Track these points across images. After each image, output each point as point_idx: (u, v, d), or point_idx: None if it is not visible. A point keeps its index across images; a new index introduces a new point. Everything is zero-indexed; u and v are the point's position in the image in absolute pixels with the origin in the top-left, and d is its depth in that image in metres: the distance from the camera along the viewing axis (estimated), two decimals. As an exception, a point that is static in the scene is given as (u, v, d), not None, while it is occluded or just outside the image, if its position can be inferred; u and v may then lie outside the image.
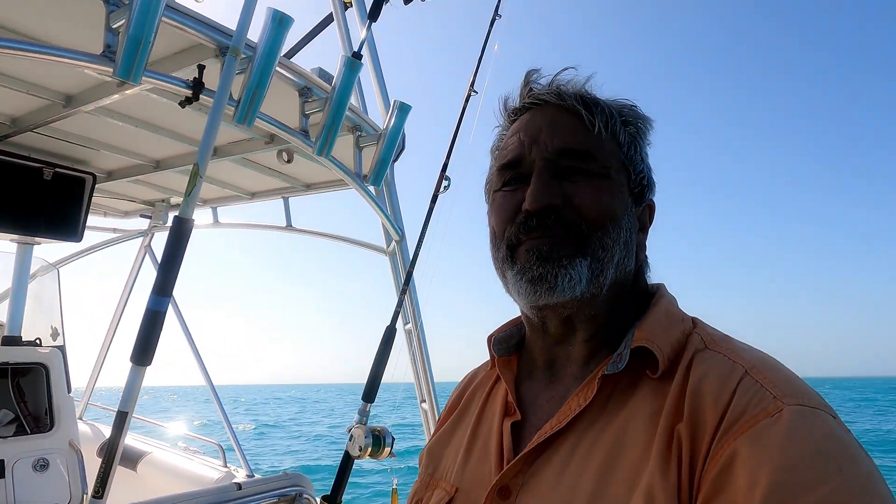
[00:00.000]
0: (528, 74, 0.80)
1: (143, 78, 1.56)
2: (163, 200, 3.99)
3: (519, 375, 0.84)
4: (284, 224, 3.59)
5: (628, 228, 0.74)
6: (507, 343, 0.86)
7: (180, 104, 1.74)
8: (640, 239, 0.79)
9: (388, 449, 2.00)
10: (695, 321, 0.74)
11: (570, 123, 0.74)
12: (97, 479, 1.38)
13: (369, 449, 1.95)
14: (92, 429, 4.27)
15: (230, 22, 1.66)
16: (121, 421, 1.41)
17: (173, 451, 3.97)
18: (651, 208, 0.80)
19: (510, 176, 0.76)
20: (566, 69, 0.78)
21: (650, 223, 0.80)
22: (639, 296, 0.78)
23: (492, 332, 0.89)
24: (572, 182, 0.72)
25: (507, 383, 0.82)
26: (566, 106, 0.74)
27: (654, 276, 0.82)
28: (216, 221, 3.86)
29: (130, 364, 1.39)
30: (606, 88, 0.78)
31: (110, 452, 1.41)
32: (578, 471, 0.66)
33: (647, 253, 0.81)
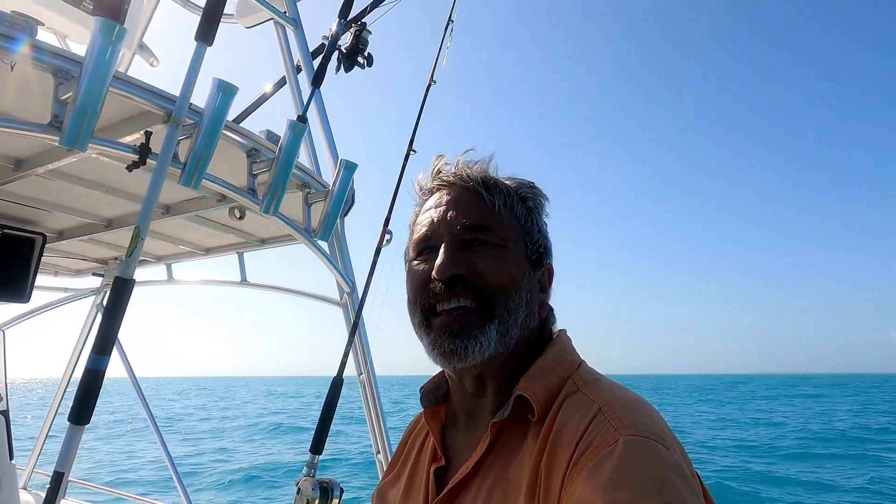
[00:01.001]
0: (436, 159, 0.92)
1: (90, 145, 1.64)
2: (115, 258, 3.97)
3: (446, 423, 0.94)
4: (239, 279, 3.62)
5: (528, 290, 0.84)
6: (436, 393, 0.96)
7: (127, 168, 1.81)
8: (542, 298, 0.89)
9: (336, 501, 2.01)
10: (581, 365, 0.84)
11: (473, 202, 0.85)
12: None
13: (316, 501, 1.95)
14: (35, 498, 4.08)
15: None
16: (56, 483, 1.41)
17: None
18: (549, 271, 0.90)
19: (422, 248, 0.86)
20: (468, 150, 0.90)
21: (550, 284, 0.90)
22: (541, 346, 0.86)
23: (423, 384, 0.98)
24: (475, 252, 0.82)
25: (432, 432, 0.92)
26: (469, 188, 0.86)
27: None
28: (171, 278, 3.86)
29: (68, 424, 1.40)
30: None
31: (45, 516, 1.40)
32: None
33: (551, 305, 0.91)
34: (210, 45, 1.56)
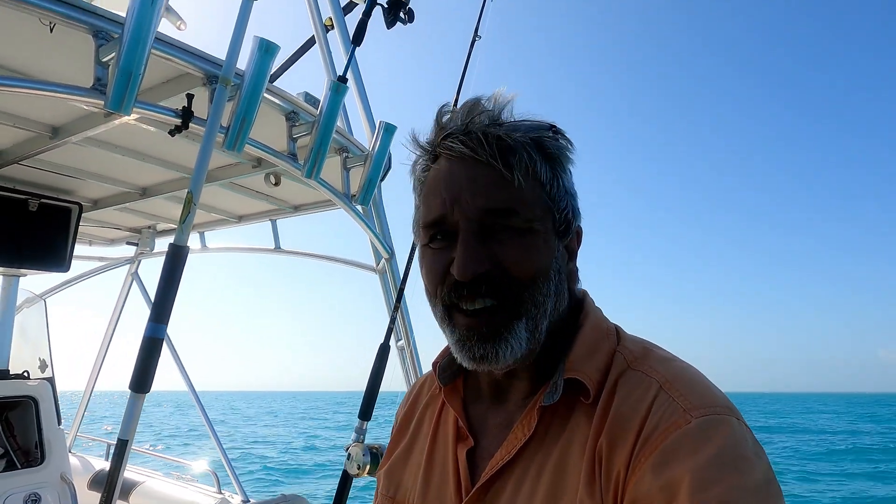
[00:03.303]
0: (440, 115, 0.77)
1: (134, 109, 1.59)
2: (149, 227, 3.98)
3: (466, 396, 0.87)
4: (273, 246, 3.61)
5: (557, 271, 0.76)
6: (452, 367, 0.87)
7: (170, 133, 1.77)
8: (571, 268, 0.80)
9: (386, 466, 2.02)
10: (619, 333, 0.78)
11: (489, 178, 0.71)
12: (98, 509, 1.38)
13: (367, 467, 1.96)
14: (81, 461, 4.20)
15: (213, 43, 1.69)
16: (121, 450, 1.41)
17: (166, 479, 3.93)
18: (578, 234, 0.81)
19: (435, 232, 0.75)
20: (478, 99, 0.75)
21: (578, 246, 0.81)
22: (570, 312, 0.80)
23: (436, 357, 0.90)
24: (499, 241, 0.72)
25: (455, 411, 0.84)
26: (482, 159, 0.71)
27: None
28: (204, 246, 3.86)
29: (129, 392, 1.40)
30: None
31: (111, 482, 1.41)
32: (528, 499, 0.70)
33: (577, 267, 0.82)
34: (256, -1, 1.49)
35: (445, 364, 0.88)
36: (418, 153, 0.79)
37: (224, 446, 4.08)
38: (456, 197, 0.72)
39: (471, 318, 0.73)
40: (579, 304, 0.82)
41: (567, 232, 0.78)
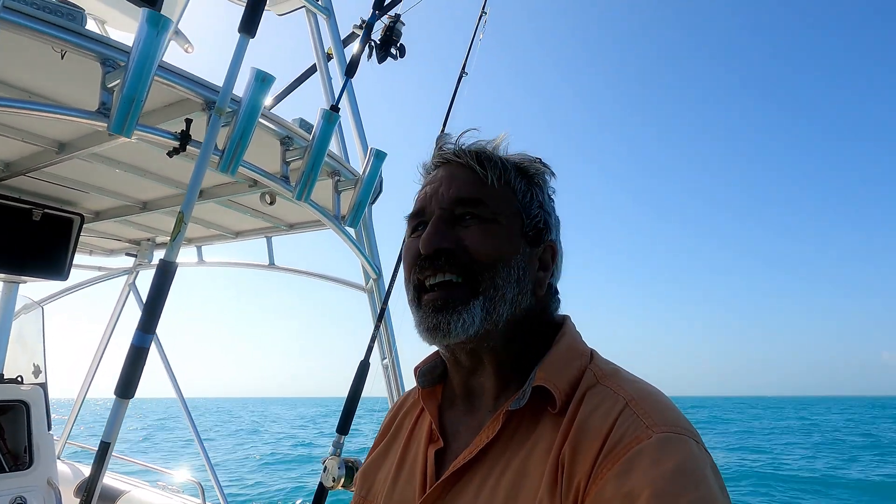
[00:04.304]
0: (439, 139, 0.90)
1: (135, 132, 1.70)
2: (148, 239, 4.09)
3: (443, 404, 0.92)
4: (267, 262, 3.71)
5: (521, 267, 0.82)
6: (433, 374, 0.93)
7: (168, 154, 1.88)
8: (541, 277, 0.85)
9: (360, 480, 2.09)
10: (592, 355, 0.83)
11: (466, 177, 0.83)
12: (79, 507, 1.45)
13: (342, 480, 2.03)
14: (70, 468, 4.25)
15: (216, 64, 1.80)
16: (103, 452, 1.50)
17: (151, 489, 3.96)
18: (552, 248, 0.87)
19: (416, 223, 0.86)
20: (470, 130, 0.88)
21: (553, 262, 0.87)
22: (544, 330, 0.85)
23: (418, 363, 0.96)
24: (464, 227, 0.81)
25: (430, 413, 0.89)
26: (463, 163, 0.84)
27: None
28: (201, 260, 3.96)
29: (115, 397, 1.49)
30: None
31: (91, 483, 1.49)
32: (489, 498, 0.74)
33: (558, 288, 0.88)
34: (253, 36, 1.61)
35: (426, 370, 0.94)
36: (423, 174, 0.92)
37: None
38: (435, 191, 0.84)
39: (432, 292, 0.80)
40: (558, 327, 0.86)
41: (538, 239, 0.85)
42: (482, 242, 0.80)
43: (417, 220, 0.86)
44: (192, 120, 1.87)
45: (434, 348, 0.92)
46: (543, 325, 0.86)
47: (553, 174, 0.89)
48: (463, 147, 0.86)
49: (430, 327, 0.80)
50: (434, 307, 0.79)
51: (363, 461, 2.27)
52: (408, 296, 0.85)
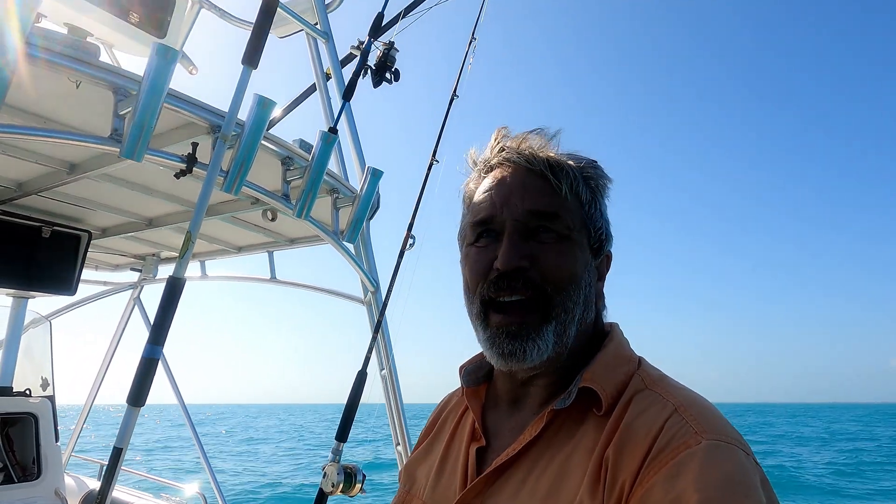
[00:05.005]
0: (498, 132, 0.87)
1: (145, 156, 1.82)
2: (153, 255, 4.19)
3: (486, 404, 0.92)
4: (269, 276, 3.81)
5: (588, 284, 0.81)
6: (477, 374, 0.94)
7: (175, 175, 1.99)
8: (599, 288, 0.85)
9: (359, 486, 2.17)
10: (640, 361, 0.83)
11: (538, 186, 0.80)
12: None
13: (341, 485, 2.11)
14: (76, 480, 4.32)
15: (217, 84, 1.89)
16: (115, 458, 1.59)
17: (156, 501, 4.03)
18: (608, 258, 0.87)
19: (482, 231, 0.82)
20: (536, 130, 0.85)
21: (607, 271, 0.88)
22: (595, 336, 0.85)
23: (464, 362, 0.96)
24: (539, 242, 0.78)
25: (474, 413, 0.90)
26: (535, 170, 0.80)
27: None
28: (204, 274, 4.07)
29: (126, 405, 1.58)
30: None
31: (104, 488, 1.58)
32: (529, 495, 0.74)
33: (604, 294, 0.88)
34: (255, 67, 1.72)
35: (472, 369, 0.94)
36: (472, 170, 0.89)
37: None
38: (506, 199, 0.80)
39: (503, 314, 0.78)
40: (606, 333, 0.86)
41: (599, 251, 0.84)
42: (558, 264, 0.78)
43: (484, 227, 0.82)
44: (198, 144, 1.99)
45: (471, 345, 0.91)
46: (596, 333, 0.86)
47: (611, 180, 0.86)
48: (531, 150, 0.82)
49: (504, 353, 0.78)
50: (508, 332, 0.78)
51: (360, 467, 2.35)
52: (471, 309, 0.83)
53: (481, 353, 0.89)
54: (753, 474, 0.64)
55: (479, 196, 0.84)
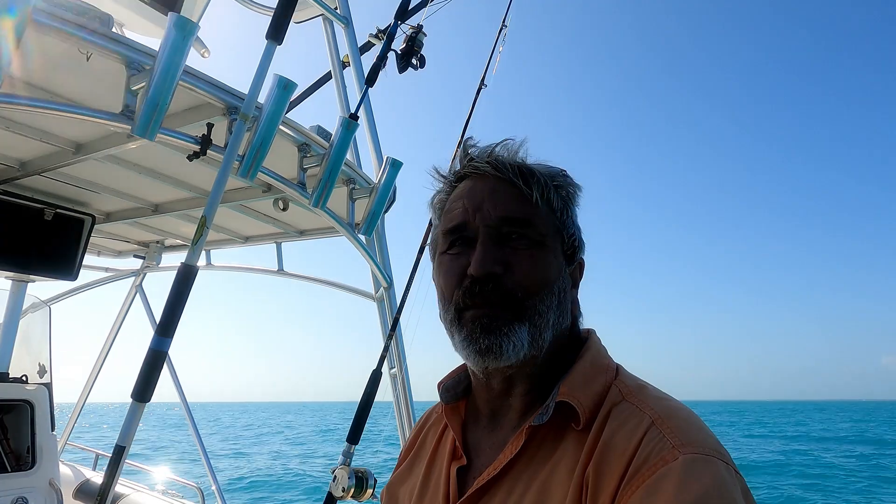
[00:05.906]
0: (466, 143, 0.87)
1: (157, 135, 1.71)
2: (158, 242, 4.09)
3: (466, 420, 0.91)
4: (276, 268, 3.70)
5: (561, 290, 0.81)
6: (456, 389, 0.92)
7: (188, 157, 1.88)
8: (573, 294, 0.86)
9: (370, 490, 2.07)
10: (618, 369, 0.82)
11: (510, 193, 0.80)
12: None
13: (352, 490, 2.01)
14: (71, 469, 4.22)
15: (230, 66, 1.80)
16: (118, 456, 1.48)
17: (151, 493, 3.94)
18: (581, 265, 0.88)
19: (455, 239, 0.82)
20: (503, 141, 0.85)
21: (581, 277, 0.87)
22: (572, 342, 0.85)
23: (441, 378, 0.94)
24: (513, 248, 0.78)
25: (453, 430, 0.88)
26: (505, 178, 0.81)
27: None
28: (209, 264, 3.96)
29: (131, 400, 1.47)
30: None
31: (106, 487, 1.48)
32: None
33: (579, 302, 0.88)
34: (280, 43, 1.61)
35: (450, 384, 0.93)
36: (441, 181, 0.89)
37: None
38: (478, 206, 0.80)
39: (474, 309, 0.77)
40: (583, 340, 0.85)
41: (573, 258, 0.85)
42: (531, 270, 0.78)
43: (457, 234, 0.82)
44: (213, 124, 1.88)
45: (458, 363, 0.91)
46: (572, 341, 0.85)
47: (580, 188, 0.87)
48: (501, 158, 0.83)
49: (481, 349, 0.77)
50: (483, 328, 0.77)
51: (371, 471, 2.23)
52: (446, 315, 0.82)
53: (459, 368, 0.93)
54: (733, 487, 0.63)
55: (450, 204, 0.85)
